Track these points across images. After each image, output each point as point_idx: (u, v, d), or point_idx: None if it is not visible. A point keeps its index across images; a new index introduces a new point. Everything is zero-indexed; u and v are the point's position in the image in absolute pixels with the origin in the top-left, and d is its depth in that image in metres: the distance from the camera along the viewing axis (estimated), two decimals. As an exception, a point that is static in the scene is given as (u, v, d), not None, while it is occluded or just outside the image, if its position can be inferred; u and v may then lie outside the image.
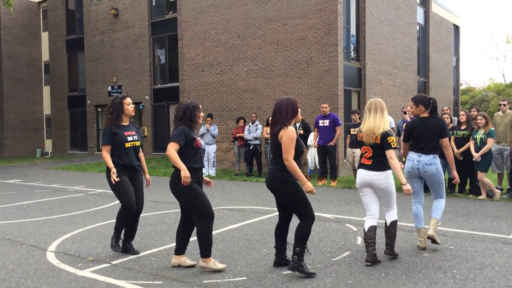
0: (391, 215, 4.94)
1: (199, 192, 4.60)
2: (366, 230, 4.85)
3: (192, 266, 4.75)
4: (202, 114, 4.90)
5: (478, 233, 6.13)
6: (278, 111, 4.43)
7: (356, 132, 10.74)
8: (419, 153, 5.32)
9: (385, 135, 4.72)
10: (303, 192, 4.40)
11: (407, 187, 4.81)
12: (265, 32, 14.56)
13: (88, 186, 11.68)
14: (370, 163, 4.82)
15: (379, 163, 4.79)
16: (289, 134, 4.27)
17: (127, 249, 5.36)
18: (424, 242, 5.36)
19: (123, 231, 5.35)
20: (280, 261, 4.70)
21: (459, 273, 4.52)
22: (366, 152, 4.88)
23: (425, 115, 5.41)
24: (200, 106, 4.90)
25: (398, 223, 6.66)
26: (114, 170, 5.05)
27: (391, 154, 4.71)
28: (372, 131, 4.77)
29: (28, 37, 25.37)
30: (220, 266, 4.65)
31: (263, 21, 14.61)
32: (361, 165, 4.94)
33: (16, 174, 15.43)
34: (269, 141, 4.85)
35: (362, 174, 4.89)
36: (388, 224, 4.94)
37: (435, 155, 5.31)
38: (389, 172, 4.81)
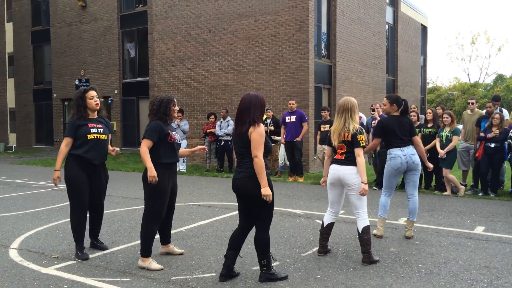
0: (362, 221, 4.79)
1: (161, 193, 4.57)
2: (324, 225, 5.02)
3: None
4: (177, 108, 4.87)
5: (443, 228, 6.29)
6: (246, 110, 4.13)
7: (327, 129, 10.92)
8: (401, 148, 5.62)
9: (355, 134, 4.77)
10: (273, 196, 4.12)
11: (366, 187, 4.78)
12: (237, 28, 14.50)
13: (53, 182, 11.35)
14: (343, 158, 4.84)
15: (352, 158, 4.80)
16: (259, 131, 4.05)
17: (95, 245, 5.26)
18: (382, 231, 5.79)
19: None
20: (228, 273, 4.27)
21: (425, 267, 4.63)
22: (341, 148, 4.88)
23: (396, 113, 5.76)
24: (175, 100, 4.85)
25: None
26: (57, 174, 5.00)
27: (358, 152, 4.78)
28: (339, 131, 4.82)
29: (-9, 27, 24.49)
30: (156, 266, 4.54)
31: (234, 16, 14.54)
32: (334, 161, 4.95)
33: (-22, 169, 14.88)
34: (233, 143, 4.44)
35: (334, 170, 4.90)
36: (360, 231, 4.78)
37: (412, 146, 5.70)
38: None
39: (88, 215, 5.16)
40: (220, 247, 5.36)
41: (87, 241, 5.29)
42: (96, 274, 4.42)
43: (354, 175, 4.77)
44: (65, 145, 4.97)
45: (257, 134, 4.04)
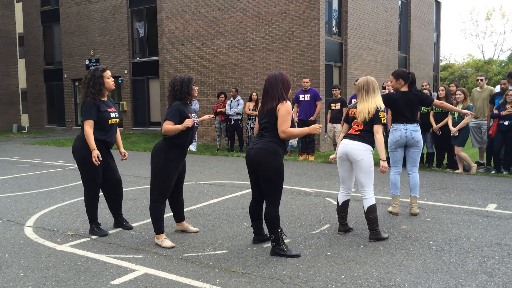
0: (367, 200, 4.74)
1: (169, 174, 4.58)
2: (339, 204, 4.99)
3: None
4: (196, 87, 4.83)
5: (454, 206, 6.27)
6: (273, 86, 4.21)
7: (338, 108, 10.85)
8: (404, 123, 5.61)
9: (378, 110, 4.71)
10: (283, 174, 4.25)
11: (385, 164, 4.78)
12: (246, 5, 14.33)
13: (66, 161, 11.51)
14: (357, 134, 4.77)
15: (365, 135, 4.74)
16: (286, 107, 4.14)
17: (120, 224, 5.29)
18: (398, 208, 5.79)
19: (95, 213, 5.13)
20: (259, 237, 4.66)
21: (435, 244, 4.63)
22: (357, 125, 4.81)
23: (405, 89, 5.68)
24: (194, 79, 4.82)
25: (377, 196, 6.77)
26: (97, 152, 4.80)
27: (377, 129, 4.71)
28: (368, 110, 4.71)
29: (1, 8, 24.47)
30: (167, 244, 4.58)
31: (244, -7, 14.35)
32: (346, 135, 4.88)
33: (-8, 149, 15.09)
34: (257, 117, 4.47)
35: (343, 144, 4.84)
36: (365, 210, 4.75)
37: (417, 124, 5.66)
38: (369, 147, 4.76)
39: (107, 193, 5.20)
40: (231, 224, 5.41)
41: (111, 221, 5.40)
42: (110, 251, 4.50)
43: (362, 151, 4.70)
44: (90, 127, 4.79)
45: (285, 110, 4.14)
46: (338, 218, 5.03)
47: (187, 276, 3.83)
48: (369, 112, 4.71)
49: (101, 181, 5.03)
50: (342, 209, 4.98)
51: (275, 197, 4.24)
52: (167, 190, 4.65)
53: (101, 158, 4.85)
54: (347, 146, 4.78)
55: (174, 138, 4.55)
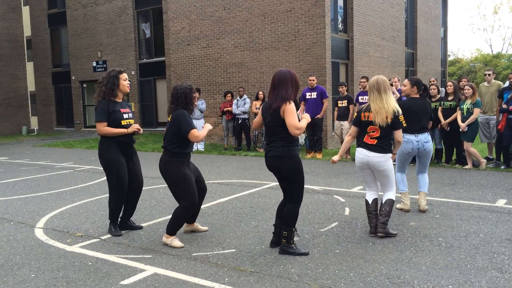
0: (388, 195, 4.80)
1: (188, 178, 4.61)
2: (369, 203, 4.86)
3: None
4: (196, 94, 4.88)
5: (463, 202, 6.23)
6: (282, 85, 4.15)
7: (344, 105, 10.80)
8: (415, 134, 5.60)
9: (396, 114, 4.63)
10: (303, 172, 4.28)
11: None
12: (252, 4, 14.32)
13: (75, 163, 11.59)
14: (374, 143, 4.68)
15: (383, 144, 4.68)
16: (291, 108, 4.08)
17: (129, 226, 5.28)
18: (408, 204, 5.79)
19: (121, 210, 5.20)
20: (277, 240, 4.47)
21: (445, 240, 4.61)
22: (373, 131, 4.69)
23: (416, 96, 5.70)
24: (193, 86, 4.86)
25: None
26: (134, 126, 4.99)
27: (400, 134, 4.73)
28: (386, 111, 4.61)
29: (8, 11, 24.65)
30: (177, 244, 4.60)
31: (249, -8, 14.35)
32: (363, 145, 4.76)
33: (2, 152, 15.23)
34: (262, 111, 4.46)
35: (363, 154, 4.74)
36: (383, 201, 4.77)
37: (428, 133, 5.69)
38: (389, 155, 4.73)
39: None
40: (239, 223, 5.42)
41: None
42: (119, 251, 4.53)
43: (384, 162, 4.68)
44: (104, 127, 4.89)
45: (290, 112, 4.07)
46: (369, 219, 4.84)
47: (196, 275, 3.85)
48: (387, 116, 4.60)
49: (127, 185, 5.06)
50: (374, 207, 4.83)
51: (297, 196, 4.29)
52: (194, 196, 4.64)
53: (139, 129, 5.05)
54: (367, 157, 4.72)
55: (182, 149, 4.63)
